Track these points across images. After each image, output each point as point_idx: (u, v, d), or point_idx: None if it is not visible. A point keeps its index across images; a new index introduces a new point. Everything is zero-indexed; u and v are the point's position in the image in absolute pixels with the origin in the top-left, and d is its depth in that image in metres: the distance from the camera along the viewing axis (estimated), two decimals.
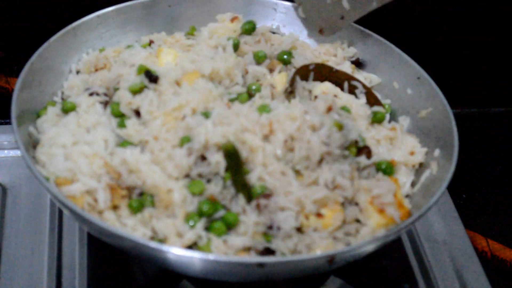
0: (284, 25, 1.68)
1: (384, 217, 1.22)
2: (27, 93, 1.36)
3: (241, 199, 1.23)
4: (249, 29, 1.58)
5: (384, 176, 1.31)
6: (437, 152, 1.38)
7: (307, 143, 1.25)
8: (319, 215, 1.21)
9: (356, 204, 1.26)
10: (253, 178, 1.24)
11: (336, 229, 1.22)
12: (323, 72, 1.50)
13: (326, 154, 1.26)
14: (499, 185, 1.97)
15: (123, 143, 1.29)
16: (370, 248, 1.18)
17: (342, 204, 1.25)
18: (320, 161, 1.26)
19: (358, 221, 1.25)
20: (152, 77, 1.38)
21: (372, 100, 1.49)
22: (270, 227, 1.20)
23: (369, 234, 1.22)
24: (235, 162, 1.23)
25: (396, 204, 1.24)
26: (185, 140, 1.26)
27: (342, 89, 1.49)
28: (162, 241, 1.19)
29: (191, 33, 1.61)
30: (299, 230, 1.22)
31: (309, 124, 1.27)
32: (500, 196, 1.94)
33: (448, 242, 1.58)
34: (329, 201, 1.23)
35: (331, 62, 1.56)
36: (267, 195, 1.22)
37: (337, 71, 1.50)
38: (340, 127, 1.29)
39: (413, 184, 1.37)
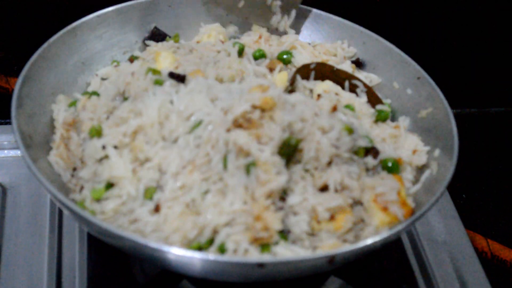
0: None
1: (387, 215, 1.22)
2: (27, 93, 1.36)
3: None
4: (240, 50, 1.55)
5: (388, 174, 1.31)
6: (437, 152, 1.38)
7: (316, 144, 1.24)
8: (331, 217, 1.21)
9: (361, 203, 1.26)
10: None
11: (347, 232, 1.23)
12: (323, 71, 1.50)
13: (335, 157, 1.25)
14: (499, 185, 1.97)
15: None
16: (370, 248, 1.18)
17: (351, 206, 1.25)
18: (329, 163, 1.25)
19: (362, 220, 1.26)
20: (179, 77, 1.36)
21: (373, 99, 1.49)
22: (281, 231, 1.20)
23: (372, 233, 1.22)
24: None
25: (399, 202, 1.24)
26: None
27: (343, 88, 1.49)
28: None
29: (175, 40, 1.60)
30: (310, 233, 1.22)
31: (319, 126, 1.26)
32: (500, 196, 1.94)
33: (448, 242, 1.58)
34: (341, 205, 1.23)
35: (331, 62, 1.56)
36: (281, 197, 1.21)
37: (337, 70, 1.51)
38: (350, 131, 1.28)
39: (413, 184, 1.37)
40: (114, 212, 1.22)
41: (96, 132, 1.29)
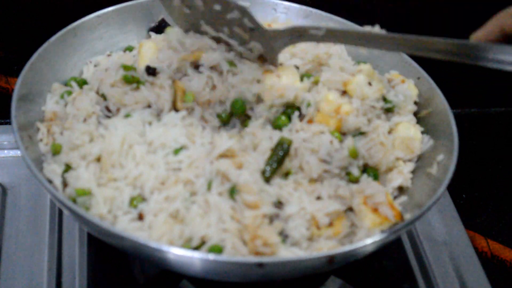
0: None
1: (378, 216, 1.23)
2: (27, 93, 1.36)
3: None
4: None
5: (373, 181, 1.32)
6: (437, 152, 1.38)
7: (305, 164, 1.26)
8: (330, 223, 1.22)
9: (351, 209, 1.26)
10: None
11: (345, 236, 1.23)
12: None
13: (324, 172, 1.27)
14: (499, 185, 1.97)
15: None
16: (370, 248, 1.18)
17: (344, 212, 1.26)
18: (319, 178, 1.27)
19: (353, 224, 1.26)
20: (150, 70, 1.37)
21: None
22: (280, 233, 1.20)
23: (365, 236, 1.22)
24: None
25: (388, 204, 1.24)
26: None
27: None
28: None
29: None
30: (309, 238, 1.23)
31: (309, 147, 1.27)
32: (500, 196, 1.94)
33: (448, 242, 1.58)
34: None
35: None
36: (278, 204, 1.22)
37: None
38: (354, 154, 1.30)
39: (413, 183, 1.38)
40: (100, 218, 1.22)
41: (55, 151, 1.30)
